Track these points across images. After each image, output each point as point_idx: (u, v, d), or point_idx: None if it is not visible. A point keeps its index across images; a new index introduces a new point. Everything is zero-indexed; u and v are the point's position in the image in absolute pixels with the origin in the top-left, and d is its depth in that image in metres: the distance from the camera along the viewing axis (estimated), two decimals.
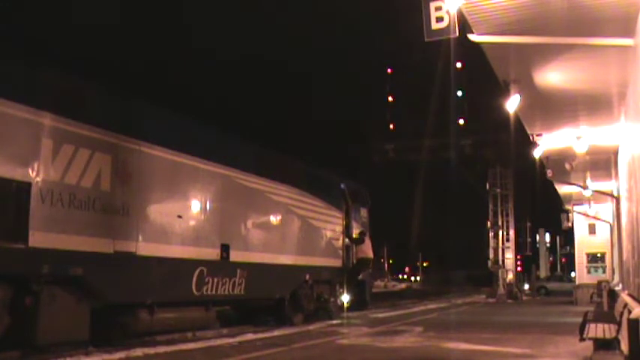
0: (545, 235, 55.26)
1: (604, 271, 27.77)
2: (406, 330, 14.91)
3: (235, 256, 13.91)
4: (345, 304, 18.84)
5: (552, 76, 10.82)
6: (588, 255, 29.00)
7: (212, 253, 13.32)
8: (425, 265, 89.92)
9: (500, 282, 34.32)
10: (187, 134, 13.19)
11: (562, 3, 7.91)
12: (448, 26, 8.29)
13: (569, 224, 29.78)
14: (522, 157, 26.01)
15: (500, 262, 35.04)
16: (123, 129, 11.22)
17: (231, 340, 12.53)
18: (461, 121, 45.42)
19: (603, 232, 27.28)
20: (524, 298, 36.48)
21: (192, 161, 12.99)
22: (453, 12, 8.20)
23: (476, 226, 46.18)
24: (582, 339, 8.80)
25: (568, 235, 39.66)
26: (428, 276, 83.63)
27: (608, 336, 8.61)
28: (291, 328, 15.23)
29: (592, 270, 28.71)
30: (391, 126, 48.90)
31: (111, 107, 11.28)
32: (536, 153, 15.38)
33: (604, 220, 26.29)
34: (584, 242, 28.93)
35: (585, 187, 20.46)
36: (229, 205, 14.09)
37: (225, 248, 13.66)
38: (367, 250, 20.37)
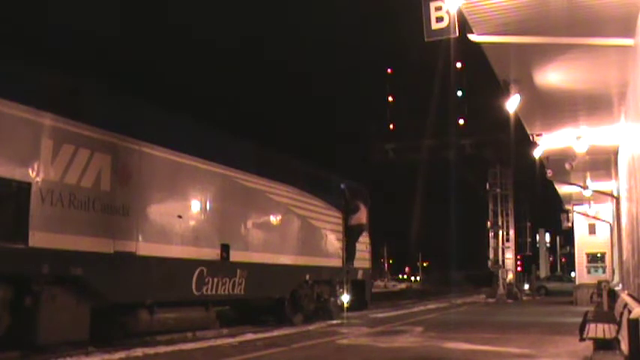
0: (545, 235, 55.19)
1: (604, 271, 27.75)
2: (406, 330, 14.91)
3: (235, 256, 13.91)
4: (345, 304, 18.83)
5: (552, 76, 10.82)
6: (588, 255, 28.98)
7: (212, 253, 13.32)
8: (425, 265, 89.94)
9: (500, 282, 34.32)
10: (187, 134, 13.19)
11: (562, 3, 7.90)
12: (448, 26, 8.30)
13: (569, 224, 29.77)
14: (522, 157, 26.01)
15: (500, 262, 35.03)
16: (123, 129, 11.21)
17: (231, 340, 12.52)
18: (461, 121, 45.43)
19: (603, 232, 27.26)
20: (524, 298, 36.49)
21: (192, 161, 12.99)
22: (453, 12, 8.21)
23: (476, 226, 46.23)
24: (582, 339, 8.79)
25: (568, 235, 39.63)
26: (428, 276, 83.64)
27: (608, 336, 8.60)
28: (291, 328, 15.22)
29: (592, 270, 28.70)
30: (391, 126, 48.90)
31: (111, 107, 11.28)
32: (536, 153, 15.38)
33: (604, 220, 26.29)
34: (584, 242, 28.91)
35: (585, 187, 20.45)
36: (229, 205, 14.09)
37: (225, 248, 13.65)
38: (361, 216, 20.30)
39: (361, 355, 10.79)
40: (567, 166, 16.38)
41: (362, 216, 20.31)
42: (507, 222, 35.65)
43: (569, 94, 11.79)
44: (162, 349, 10.90)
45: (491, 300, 33.56)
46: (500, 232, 35.28)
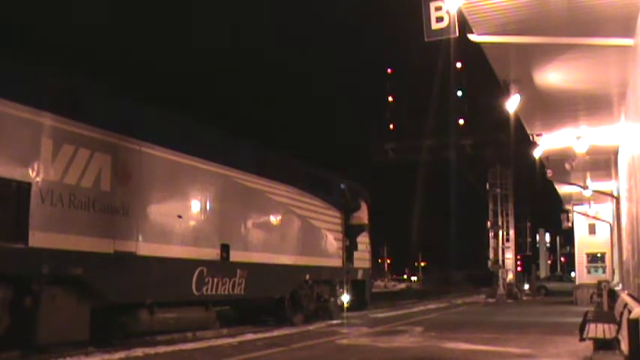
0: (545, 235, 55.18)
1: (604, 271, 27.75)
2: (406, 330, 14.91)
3: (235, 256, 13.91)
4: (345, 304, 18.84)
5: (552, 76, 10.82)
6: (588, 255, 28.96)
7: (212, 253, 13.32)
8: (425, 265, 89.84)
9: (500, 282, 34.32)
10: (187, 134, 13.19)
11: (562, 3, 7.91)
12: (448, 26, 8.29)
13: (569, 224, 29.76)
14: (522, 157, 26.03)
15: (500, 262, 35.03)
16: (123, 129, 11.21)
17: (231, 340, 12.53)
18: (461, 121, 45.49)
19: (603, 232, 27.26)
20: (524, 298, 36.49)
21: (192, 161, 12.99)
22: (453, 12, 8.21)
23: (476, 226, 46.24)
24: (582, 339, 8.79)
25: (568, 235, 39.62)
26: (428, 276, 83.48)
27: (608, 336, 8.60)
28: (291, 328, 15.23)
29: (592, 270, 28.69)
30: (391, 126, 48.94)
31: (111, 107, 11.28)
32: (536, 153, 15.39)
33: (604, 220, 26.29)
34: (584, 242, 28.90)
35: (585, 187, 20.45)
36: (229, 205, 14.09)
37: (225, 248, 13.65)
38: (362, 215, 20.35)
39: (361, 355, 10.79)
40: (567, 166, 16.38)
41: (362, 216, 20.36)
42: (507, 222, 35.66)
43: (569, 94, 11.79)
44: (162, 349, 10.91)
45: (491, 300, 33.56)
46: (500, 232, 35.28)
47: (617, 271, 21.60)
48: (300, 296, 16.87)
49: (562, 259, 60.95)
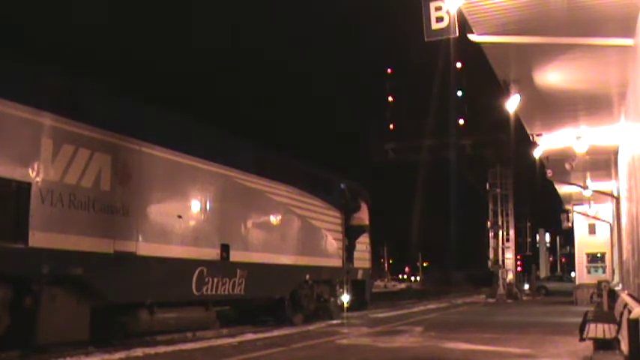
0: (545, 235, 55.17)
1: (604, 271, 27.75)
2: (406, 330, 14.91)
3: (235, 256, 13.91)
4: (345, 304, 18.83)
5: (552, 76, 10.83)
6: (588, 255, 28.97)
7: (212, 253, 13.32)
8: (425, 265, 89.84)
9: (500, 282, 34.33)
10: (187, 134, 13.19)
11: (562, 3, 7.91)
12: (448, 26, 8.30)
13: (569, 224, 29.77)
14: (522, 157, 26.05)
15: (500, 262, 35.04)
16: (123, 129, 11.21)
17: (231, 340, 12.53)
18: (461, 121, 45.58)
19: (603, 232, 27.27)
20: (524, 298, 36.49)
21: (192, 161, 12.99)
22: (453, 12, 8.21)
23: (476, 226, 46.25)
24: (582, 339, 8.79)
25: (568, 235, 39.62)
26: (428, 276, 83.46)
27: (608, 336, 8.61)
28: (291, 328, 15.23)
29: (592, 270, 28.70)
30: (391, 126, 49.00)
31: (111, 107, 11.28)
32: (536, 153, 15.39)
33: (604, 220, 26.29)
34: (584, 242, 28.91)
35: (585, 187, 20.46)
36: (229, 205, 14.09)
37: (225, 248, 13.65)
38: (363, 216, 20.37)
39: (361, 355, 10.79)
40: (567, 166, 16.38)
41: (362, 216, 20.36)
42: (507, 222, 35.67)
43: (569, 94, 11.79)
44: (162, 349, 10.91)
45: (491, 300, 33.57)
46: (500, 232, 35.29)
47: (617, 271, 21.60)
48: (300, 296, 16.87)
49: (562, 259, 60.96)
